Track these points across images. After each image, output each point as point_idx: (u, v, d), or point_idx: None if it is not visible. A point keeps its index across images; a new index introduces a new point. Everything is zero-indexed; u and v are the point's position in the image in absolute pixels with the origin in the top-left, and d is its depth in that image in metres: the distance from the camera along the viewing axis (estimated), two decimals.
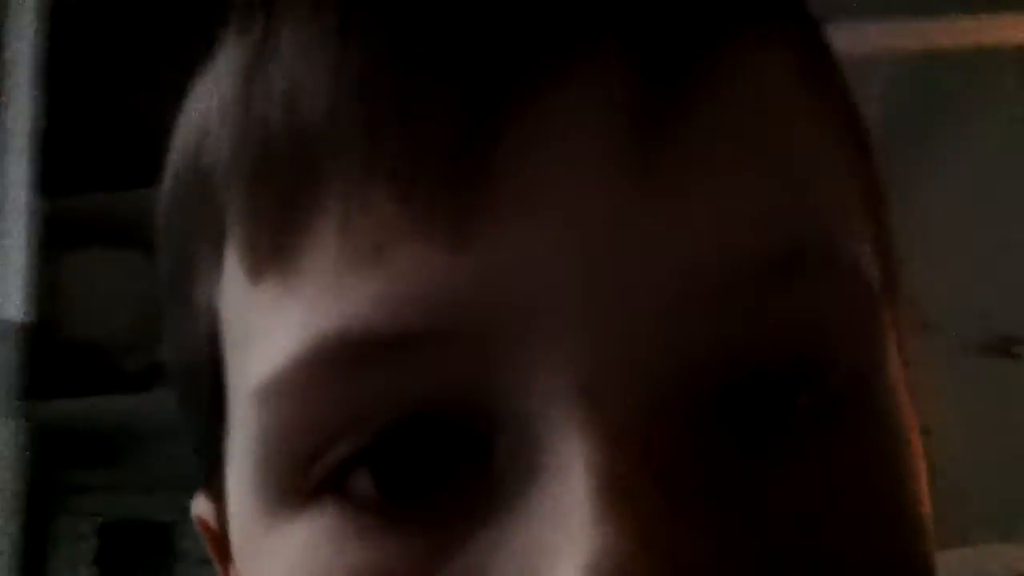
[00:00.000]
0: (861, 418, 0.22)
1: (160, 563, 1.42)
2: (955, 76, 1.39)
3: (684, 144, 0.20)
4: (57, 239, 1.25)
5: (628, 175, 0.20)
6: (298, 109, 0.21)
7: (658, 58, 0.20)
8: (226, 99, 0.23)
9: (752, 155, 0.21)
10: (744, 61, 0.22)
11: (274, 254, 0.21)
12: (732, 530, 0.20)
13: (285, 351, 0.21)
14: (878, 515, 0.21)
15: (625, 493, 0.19)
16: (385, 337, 0.20)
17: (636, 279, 0.20)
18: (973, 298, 1.36)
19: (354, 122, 0.20)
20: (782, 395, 0.21)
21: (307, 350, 0.20)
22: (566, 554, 0.18)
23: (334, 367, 0.20)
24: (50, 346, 1.26)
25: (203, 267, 0.24)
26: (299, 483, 0.21)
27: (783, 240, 0.21)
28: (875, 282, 0.23)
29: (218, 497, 0.25)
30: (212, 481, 0.26)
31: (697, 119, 0.21)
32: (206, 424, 0.25)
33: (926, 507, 0.23)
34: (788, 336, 0.21)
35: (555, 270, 0.20)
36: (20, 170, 1.21)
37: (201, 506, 0.29)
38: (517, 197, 0.20)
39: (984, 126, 1.40)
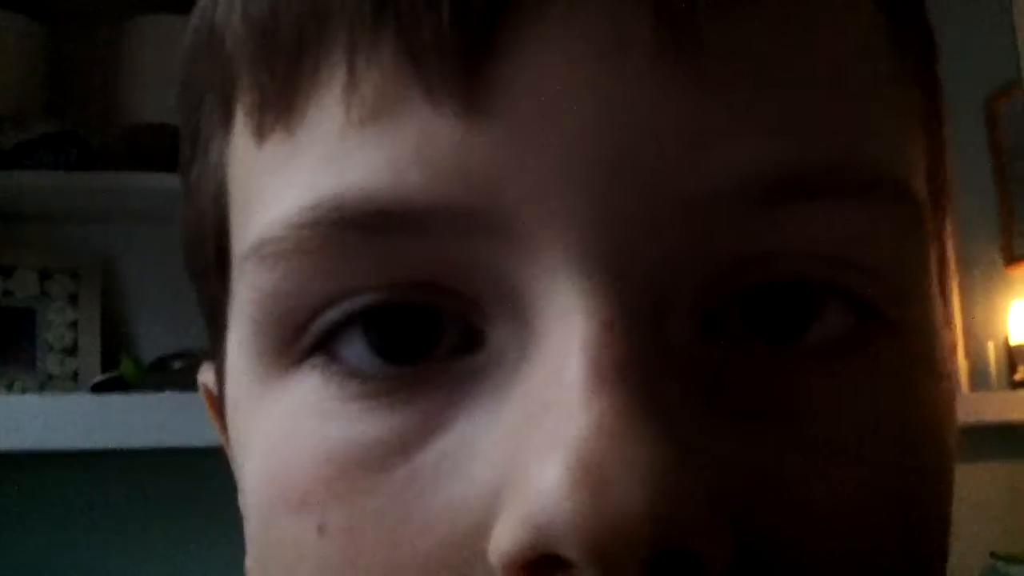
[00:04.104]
0: (891, 333, 0.21)
1: (22, 349, 1.39)
2: None
3: (719, 35, 0.19)
4: None
5: (655, 60, 0.19)
6: None
7: None
8: None
9: (798, 60, 0.20)
10: None
11: (279, 113, 0.21)
12: (736, 418, 0.19)
13: (282, 213, 0.20)
14: (893, 433, 0.21)
15: (618, 372, 0.18)
16: (384, 205, 0.19)
17: (652, 170, 0.19)
18: None
19: None
20: (810, 306, 0.21)
21: (303, 213, 0.20)
22: (553, 435, 0.18)
23: (329, 232, 0.20)
24: None
25: (215, 125, 0.24)
26: (289, 347, 0.21)
27: (818, 155, 0.20)
28: (922, 205, 0.22)
29: (220, 364, 0.25)
30: (216, 347, 0.26)
31: (738, 8, 0.19)
32: (210, 288, 0.25)
33: (950, 438, 0.22)
34: (815, 248, 0.20)
35: (571, 150, 0.19)
36: None
37: (206, 374, 0.29)
38: (530, 69, 0.19)
39: None
